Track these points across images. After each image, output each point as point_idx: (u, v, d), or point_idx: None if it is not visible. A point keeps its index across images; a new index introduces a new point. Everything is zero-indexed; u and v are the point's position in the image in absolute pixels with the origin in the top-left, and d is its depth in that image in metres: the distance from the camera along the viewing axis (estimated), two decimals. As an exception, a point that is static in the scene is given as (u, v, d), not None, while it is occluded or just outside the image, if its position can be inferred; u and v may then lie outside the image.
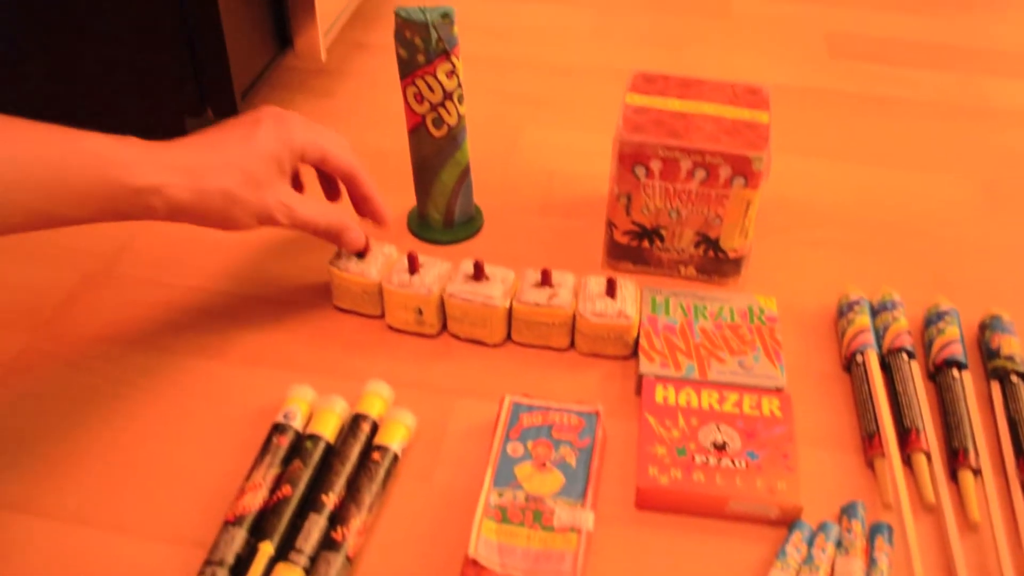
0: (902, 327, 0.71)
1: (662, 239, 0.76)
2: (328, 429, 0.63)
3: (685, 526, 0.60)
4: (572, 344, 0.72)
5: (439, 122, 0.76)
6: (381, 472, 0.60)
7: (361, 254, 0.73)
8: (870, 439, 0.64)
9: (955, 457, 0.63)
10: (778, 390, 0.67)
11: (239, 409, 0.67)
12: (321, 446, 0.62)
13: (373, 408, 0.64)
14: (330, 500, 0.58)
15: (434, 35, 0.71)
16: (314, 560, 0.56)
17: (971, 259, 0.82)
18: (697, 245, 0.75)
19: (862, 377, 0.68)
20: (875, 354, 0.69)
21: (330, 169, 0.71)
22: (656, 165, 0.71)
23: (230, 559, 0.55)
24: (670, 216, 0.74)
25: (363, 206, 0.73)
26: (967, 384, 0.67)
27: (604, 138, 0.75)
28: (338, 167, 0.70)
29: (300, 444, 0.62)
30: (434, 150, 0.78)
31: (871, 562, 0.57)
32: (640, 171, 0.72)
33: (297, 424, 0.63)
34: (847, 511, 0.60)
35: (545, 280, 0.71)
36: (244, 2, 0.85)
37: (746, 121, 0.73)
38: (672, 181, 0.72)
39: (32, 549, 0.58)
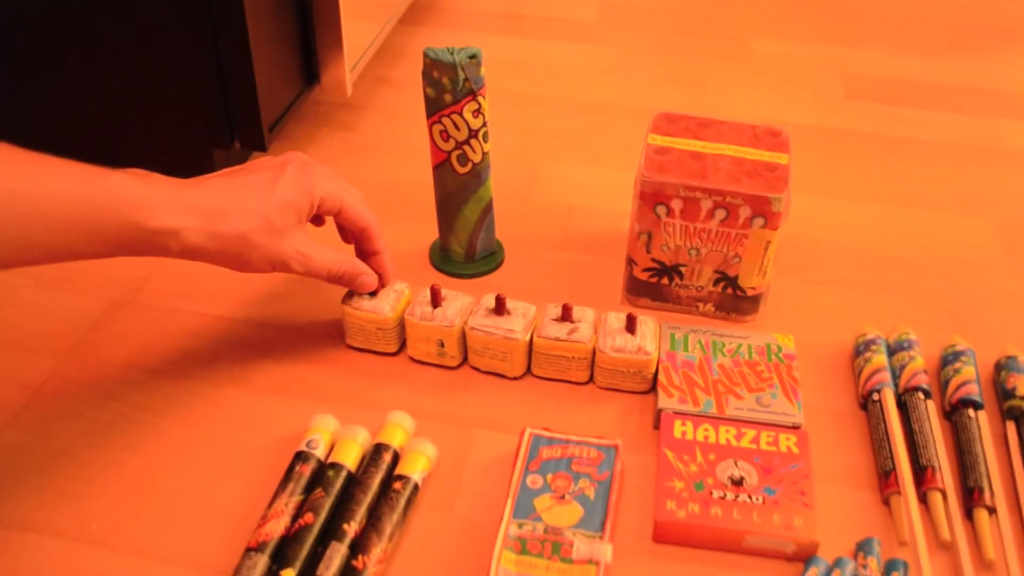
0: (918, 366, 0.71)
1: (681, 276, 0.77)
2: (350, 458, 0.63)
3: (702, 560, 0.61)
4: (591, 378, 0.73)
5: (464, 159, 0.77)
6: (402, 501, 0.61)
7: (373, 292, 0.73)
8: (886, 476, 0.65)
9: (970, 496, 0.63)
10: (795, 427, 0.67)
11: (262, 437, 0.68)
12: (343, 475, 0.62)
13: (395, 438, 0.65)
14: (351, 528, 0.59)
15: (461, 76, 0.73)
16: (336, 587, 0.56)
17: (987, 299, 0.82)
18: (716, 283, 0.76)
19: (879, 415, 0.69)
20: (892, 393, 0.70)
21: (346, 222, 0.71)
22: (677, 204, 0.72)
23: (253, 585, 0.56)
24: (690, 254, 0.75)
25: (370, 261, 0.73)
26: (983, 424, 0.68)
27: (624, 175, 0.76)
28: (354, 221, 0.71)
29: (322, 473, 0.63)
30: (458, 186, 0.79)
31: (887, 600, 0.57)
32: (661, 210, 0.73)
33: (320, 453, 0.64)
34: (863, 547, 0.60)
35: (565, 315, 0.71)
36: (275, 39, 0.87)
37: (766, 163, 0.74)
38: (692, 220, 0.73)
39: (55, 571, 0.59)
